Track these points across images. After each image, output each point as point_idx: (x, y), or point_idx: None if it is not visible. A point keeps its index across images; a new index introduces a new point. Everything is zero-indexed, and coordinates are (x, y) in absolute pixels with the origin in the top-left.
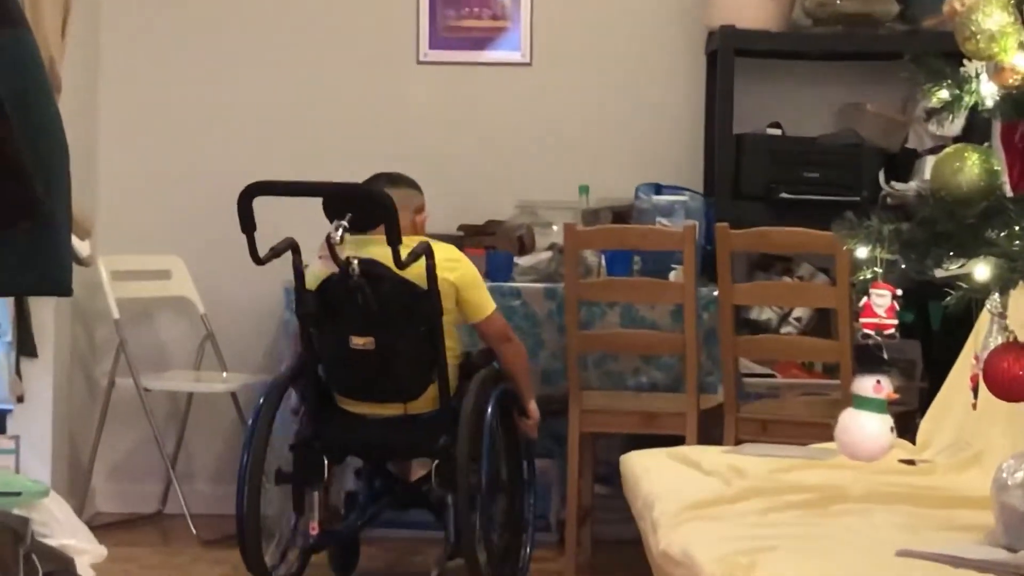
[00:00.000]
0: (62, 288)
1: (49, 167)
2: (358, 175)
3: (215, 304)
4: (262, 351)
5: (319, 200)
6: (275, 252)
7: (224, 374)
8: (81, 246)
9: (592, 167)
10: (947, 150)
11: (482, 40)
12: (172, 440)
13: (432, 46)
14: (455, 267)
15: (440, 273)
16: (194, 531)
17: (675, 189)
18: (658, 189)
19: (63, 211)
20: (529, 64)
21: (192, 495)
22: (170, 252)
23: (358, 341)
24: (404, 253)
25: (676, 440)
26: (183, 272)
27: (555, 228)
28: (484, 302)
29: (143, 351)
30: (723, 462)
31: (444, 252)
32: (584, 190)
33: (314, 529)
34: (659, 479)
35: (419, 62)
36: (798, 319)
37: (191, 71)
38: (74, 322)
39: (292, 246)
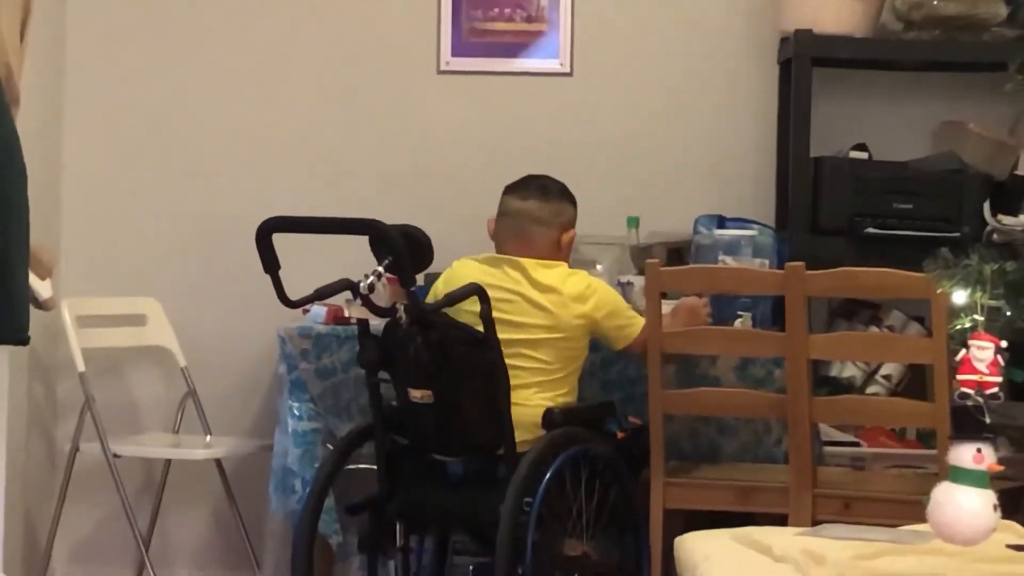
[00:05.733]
0: (17, 336)
1: (3, 193)
2: (370, 203)
3: (198, 355)
4: (253, 411)
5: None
6: (320, 294)
7: (208, 438)
8: (40, 287)
9: (643, 196)
10: None
11: (514, 46)
12: (146, 515)
13: (455, 53)
14: (588, 296)
15: (573, 306)
16: None
17: (741, 222)
18: (721, 222)
19: (19, 245)
20: (569, 74)
21: None
22: (145, 294)
23: (415, 394)
24: (539, 278)
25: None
26: (160, 317)
27: (599, 267)
28: (630, 324)
29: (113, 410)
30: (798, 546)
31: (576, 284)
32: (633, 222)
33: None
34: (721, 566)
35: (440, 71)
36: (887, 377)
37: (175, 83)
38: (31, 376)
39: (348, 287)
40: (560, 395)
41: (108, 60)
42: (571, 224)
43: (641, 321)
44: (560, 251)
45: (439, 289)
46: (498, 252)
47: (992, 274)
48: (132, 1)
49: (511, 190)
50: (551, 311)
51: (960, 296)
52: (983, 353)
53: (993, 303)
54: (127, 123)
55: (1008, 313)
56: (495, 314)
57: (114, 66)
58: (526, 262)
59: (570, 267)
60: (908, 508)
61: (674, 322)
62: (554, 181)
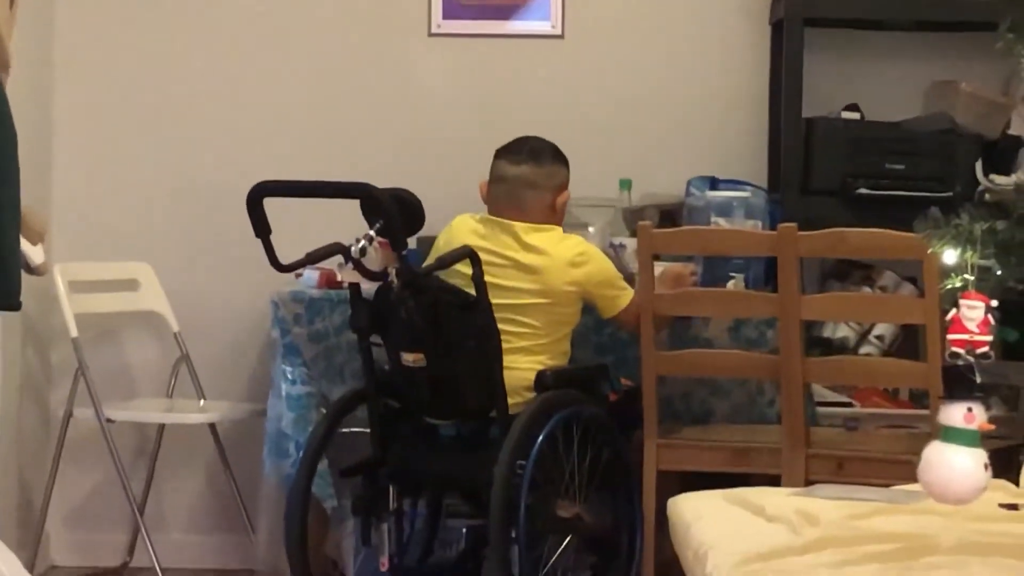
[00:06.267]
0: (9, 301)
1: None
2: (362, 166)
3: (191, 320)
4: (246, 375)
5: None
6: (312, 258)
7: (201, 402)
8: (32, 252)
9: (635, 158)
10: None
11: (505, 8)
12: (140, 480)
13: (447, 15)
14: (583, 262)
15: (565, 270)
16: None
17: (734, 183)
18: (713, 183)
19: (10, 210)
20: (561, 36)
21: (164, 546)
22: (138, 259)
23: (408, 357)
24: (531, 241)
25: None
26: (153, 282)
27: (591, 229)
28: (619, 295)
29: (106, 376)
30: (791, 506)
31: (568, 249)
32: (626, 185)
33: (384, 565)
34: (714, 526)
35: (431, 34)
36: (880, 337)
37: (166, 48)
38: (24, 342)
39: (340, 251)
40: (551, 358)
41: (98, 25)
42: (564, 186)
43: (631, 293)
44: (555, 213)
45: (440, 246)
46: (491, 215)
47: (982, 234)
48: None
49: (503, 154)
50: (541, 276)
51: (950, 256)
52: (973, 312)
53: (983, 262)
54: (118, 87)
55: (998, 272)
56: (486, 278)
57: (105, 31)
58: (518, 226)
59: (564, 230)
60: (901, 468)
61: (659, 289)
62: (545, 143)
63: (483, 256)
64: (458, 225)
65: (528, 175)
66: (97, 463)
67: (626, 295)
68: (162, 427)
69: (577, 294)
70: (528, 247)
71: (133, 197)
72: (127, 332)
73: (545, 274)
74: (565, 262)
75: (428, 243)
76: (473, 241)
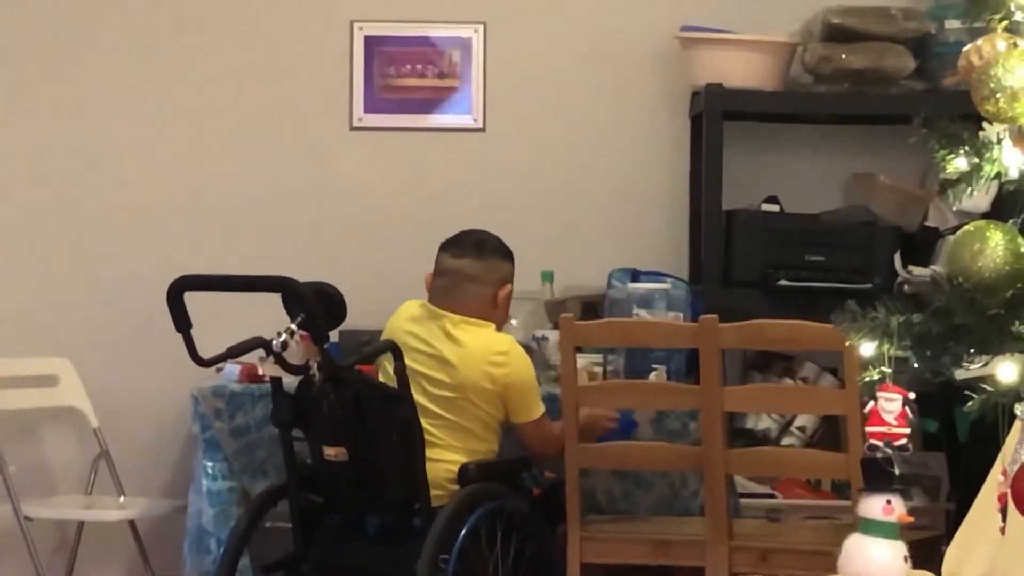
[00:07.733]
0: None
1: None
2: (284, 260)
3: (110, 416)
4: (167, 471)
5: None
6: (233, 353)
7: (121, 499)
8: None
9: (557, 250)
10: (965, 228)
11: (427, 102)
12: None
13: (368, 109)
14: (503, 363)
15: (482, 368)
16: None
17: (655, 275)
18: (635, 275)
19: None
20: (482, 130)
21: None
22: (57, 354)
23: (330, 452)
24: (459, 335)
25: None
26: (72, 378)
27: (513, 323)
28: (529, 406)
29: (24, 472)
30: None
31: (493, 345)
32: (547, 277)
33: None
34: None
35: (352, 127)
36: (802, 428)
37: (84, 140)
38: None
39: (261, 344)
40: (478, 452)
41: (19, 114)
42: (507, 279)
43: (540, 412)
44: (496, 308)
45: (386, 330)
46: (430, 304)
47: (899, 326)
48: (43, 71)
49: (446, 246)
50: (456, 370)
51: (868, 348)
52: (891, 405)
53: (900, 354)
54: (36, 180)
55: (915, 364)
56: (417, 368)
57: (24, 121)
58: (450, 319)
59: (505, 319)
60: (824, 559)
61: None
62: (490, 236)
63: (414, 344)
64: (401, 311)
65: (467, 269)
66: (15, 562)
67: (538, 409)
68: (81, 524)
69: (495, 392)
70: (453, 339)
71: (52, 292)
72: (46, 428)
73: (460, 368)
74: (482, 359)
75: (350, 336)
76: (408, 327)
